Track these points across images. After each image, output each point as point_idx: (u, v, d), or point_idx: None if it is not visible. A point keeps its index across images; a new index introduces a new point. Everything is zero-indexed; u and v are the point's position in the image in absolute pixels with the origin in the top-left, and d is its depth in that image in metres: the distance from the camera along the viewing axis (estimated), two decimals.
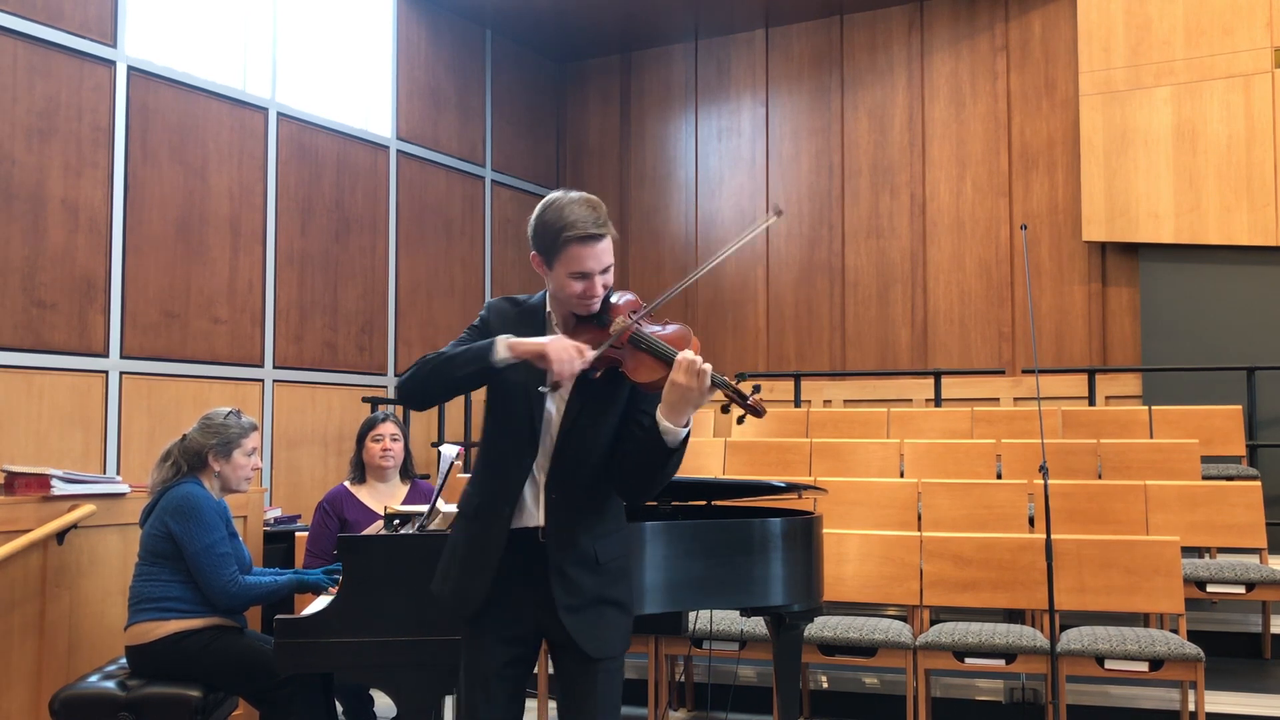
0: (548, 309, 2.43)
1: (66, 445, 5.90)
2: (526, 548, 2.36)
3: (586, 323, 2.37)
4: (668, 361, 2.22)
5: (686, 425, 2.23)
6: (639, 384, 2.26)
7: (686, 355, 2.16)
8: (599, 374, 2.30)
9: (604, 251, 2.30)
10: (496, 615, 2.39)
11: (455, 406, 8.14)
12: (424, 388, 2.33)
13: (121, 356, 6.23)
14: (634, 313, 2.33)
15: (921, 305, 8.70)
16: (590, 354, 2.22)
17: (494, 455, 2.42)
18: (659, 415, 2.22)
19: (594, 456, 2.37)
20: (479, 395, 2.64)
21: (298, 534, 4.93)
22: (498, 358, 2.24)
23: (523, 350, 2.23)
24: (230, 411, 3.71)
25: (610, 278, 2.35)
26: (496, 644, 2.39)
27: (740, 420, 2.24)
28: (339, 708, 4.01)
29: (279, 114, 7.29)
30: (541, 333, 2.37)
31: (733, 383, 2.21)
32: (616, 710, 2.44)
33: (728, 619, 4.34)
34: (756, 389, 2.23)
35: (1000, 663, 4.10)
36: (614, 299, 2.39)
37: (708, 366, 2.17)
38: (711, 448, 6.34)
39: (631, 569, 2.51)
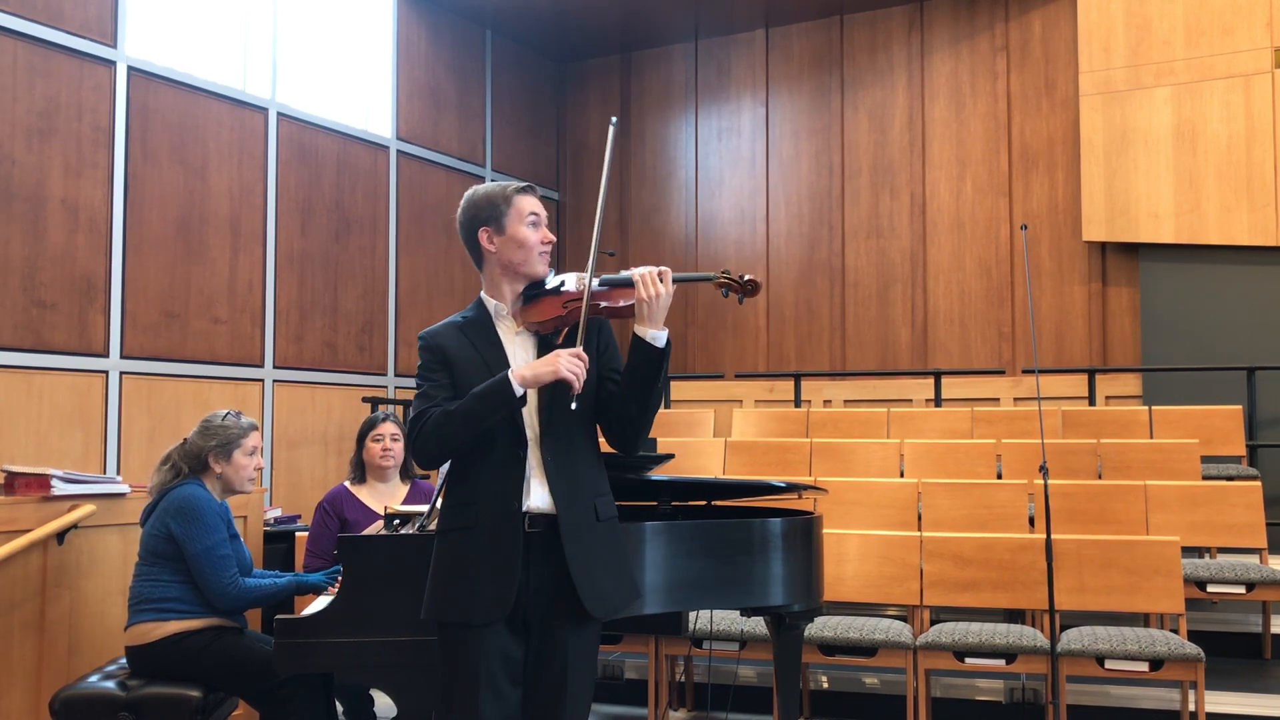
0: (491, 306, 2.55)
1: (66, 445, 5.90)
2: (532, 531, 2.40)
3: (538, 294, 2.52)
4: (633, 283, 2.43)
5: (665, 330, 2.41)
6: (626, 307, 2.44)
7: (640, 271, 2.39)
8: (560, 338, 2.48)
9: (542, 205, 2.55)
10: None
11: None
12: (448, 448, 2.41)
13: (121, 356, 6.23)
14: (580, 275, 2.51)
15: (921, 305, 8.70)
16: (581, 349, 2.37)
17: (478, 460, 2.43)
18: (639, 329, 2.39)
19: (578, 420, 2.45)
20: None
21: (298, 534, 4.93)
22: (518, 394, 2.36)
23: (537, 379, 2.37)
24: (229, 413, 3.71)
25: None
26: (499, 634, 2.39)
27: (740, 301, 2.53)
28: (339, 708, 4.01)
29: (279, 114, 7.29)
30: (492, 331, 2.51)
31: (722, 274, 2.52)
32: (591, 689, 2.46)
33: (728, 619, 4.34)
34: (729, 274, 2.53)
35: (1000, 663, 4.10)
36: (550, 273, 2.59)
37: (666, 269, 2.40)
38: (712, 448, 6.34)
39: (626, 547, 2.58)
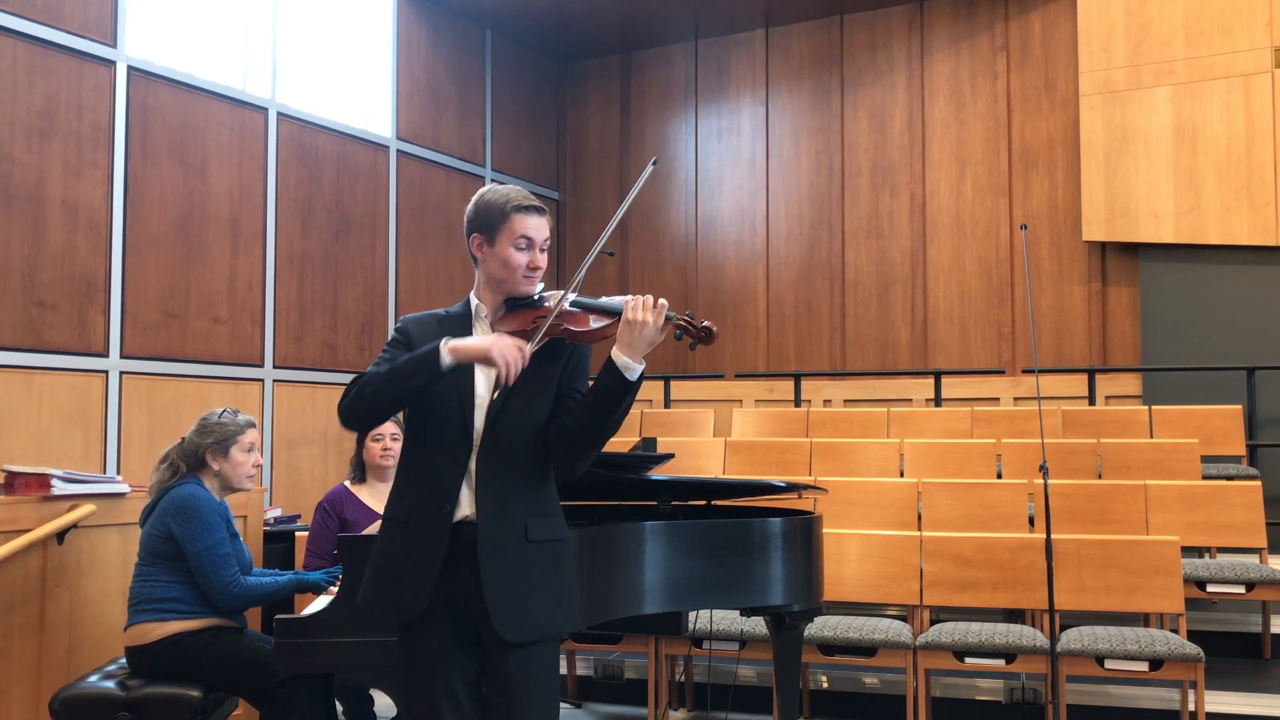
0: (473, 306, 2.51)
1: (66, 445, 5.90)
2: (463, 540, 2.35)
3: (520, 306, 2.46)
4: (612, 312, 2.35)
5: (642, 364, 2.31)
6: (588, 332, 2.35)
7: (637, 297, 2.29)
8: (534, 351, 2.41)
9: (544, 226, 2.46)
10: (445, 616, 2.38)
11: None
12: (370, 406, 2.35)
13: (121, 356, 6.23)
14: (564, 289, 2.44)
15: (921, 305, 8.70)
16: (529, 349, 2.29)
17: (424, 454, 2.41)
18: (616, 354, 2.29)
19: (524, 434, 2.39)
20: None
21: (298, 534, 4.93)
22: (444, 363, 2.27)
23: (466, 353, 2.29)
24: (225, 410, 3.71)
25: (546, 259, 2.48)
26: (451, 643, 2.37)
27: (693, 347, 2.40)
28: (339, 708, 4.02)
29: (279, 114, 7.29)
30: (468, 329, 2.46)
31: (684, 316, 2.37)
32: (551, 706, 2.40)
33: (728, 619, 4.35)
34: (692, 317, 2.40)
35: (1000, 663, 4.10)
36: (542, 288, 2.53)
37: (664, 301, 2.30)
38: (711, 448, 6.34)
39: (569, 563, 2.48)
